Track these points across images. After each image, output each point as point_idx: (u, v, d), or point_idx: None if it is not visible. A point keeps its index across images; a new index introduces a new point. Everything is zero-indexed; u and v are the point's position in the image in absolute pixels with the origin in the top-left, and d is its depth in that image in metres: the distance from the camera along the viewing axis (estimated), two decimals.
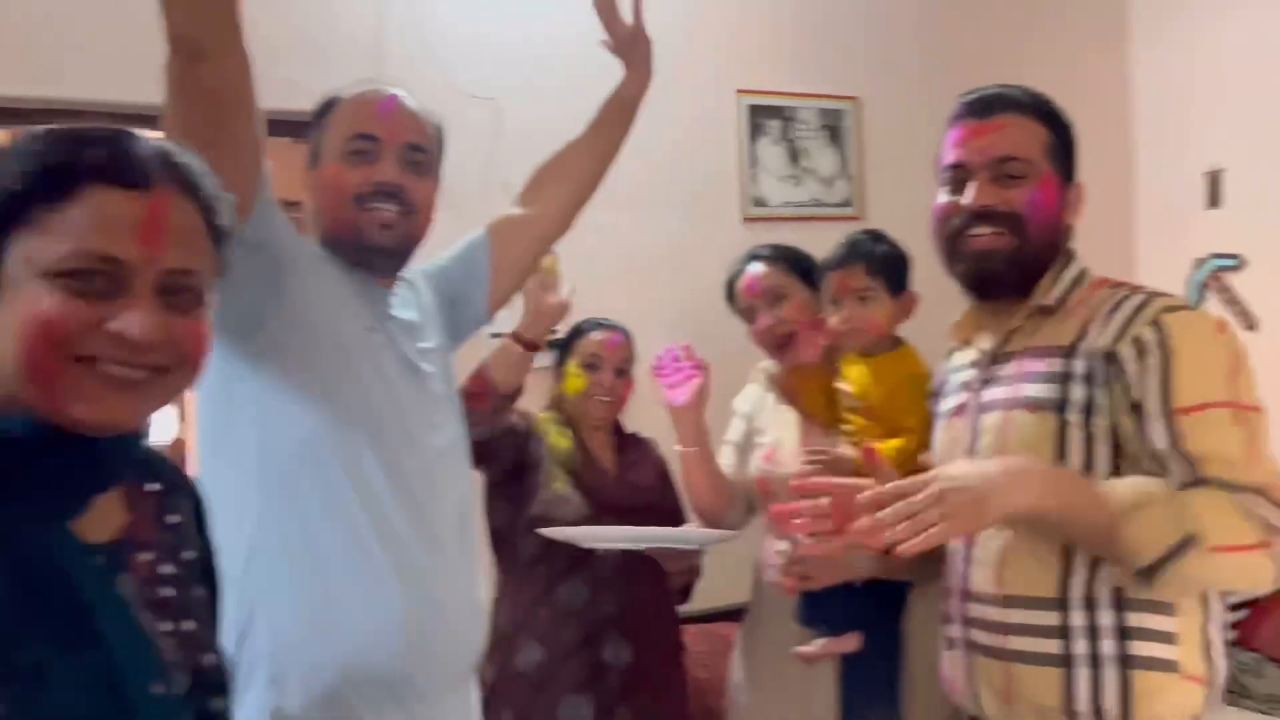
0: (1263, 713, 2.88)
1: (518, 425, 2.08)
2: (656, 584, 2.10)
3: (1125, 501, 1.25)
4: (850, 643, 1.78)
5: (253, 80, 1.29)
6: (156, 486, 0.96)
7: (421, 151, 1.51)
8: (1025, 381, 1.39)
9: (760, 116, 3.36)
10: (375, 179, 1.44)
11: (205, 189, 0.89)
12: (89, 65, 2.52)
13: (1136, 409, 1.31)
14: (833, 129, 3.48)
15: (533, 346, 1.93)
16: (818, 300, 2.00)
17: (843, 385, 1.88)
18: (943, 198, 1.47)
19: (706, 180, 3.30)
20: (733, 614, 2.66)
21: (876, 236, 1.92)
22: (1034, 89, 1.51)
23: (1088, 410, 1.32)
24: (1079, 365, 1.36)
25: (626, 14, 1.79)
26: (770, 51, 3.42)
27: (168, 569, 0.93)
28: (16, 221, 0.82)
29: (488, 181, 2.89)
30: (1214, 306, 3.82)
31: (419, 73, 2.80)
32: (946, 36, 3.73)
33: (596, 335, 2.18)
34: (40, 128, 0.86)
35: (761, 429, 2.09)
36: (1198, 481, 1.25)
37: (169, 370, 0.86)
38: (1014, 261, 1.42)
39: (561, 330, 2.26)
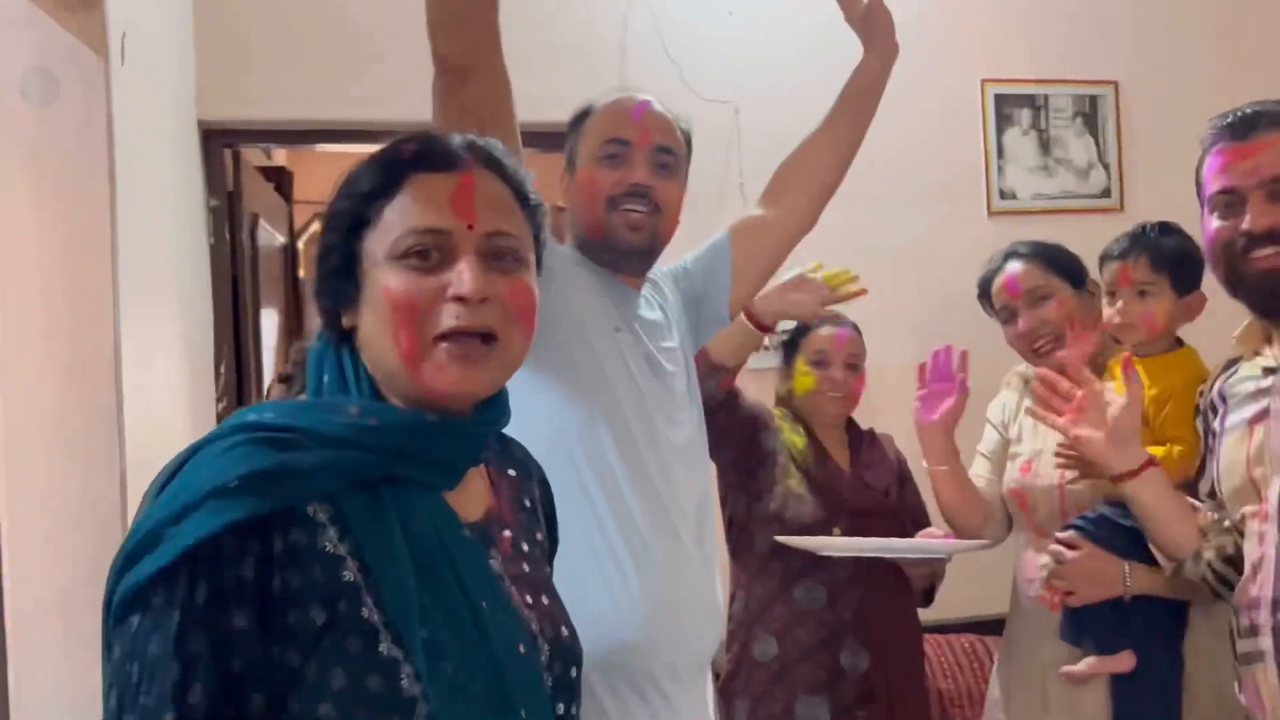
0: None
1: (744, 408, 2.08)
2: (897, 588, 2.06)
3: None
4: (1124, 662, 1.69)
5: (511, 99, 1.38)
6: (513, 473, 1.07)
7: (671, 154, 1.55)
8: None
9: (1008, 106, 3.25)
10: (629, 180, 1.49)
11: (509, 165, 0.99)
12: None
13: None
14: (1087, 116, 3.32)
15: (763, 328, 1.93)
16: (1084, 302, 1.91)
17: (1109, 385, 1.74)
18: (1215, 223, 1.47)
19: (950, 174, 3.22)
20: (979, 625, 2.58)
21: (1166, 229, 1.82)
22: None
23: None
24: None
25: None
26: (1019, 37, 3.29)
27: (525, 547, 1.01)
28: (365, 224, 0.94)
29: (725, 184, 2.98)
30: None
31: (660, 79, 2.92)
32: (1218, 13, 3.46)
33: (824, 331, 2.15)
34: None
35: (1018, 438, 2.01)
36: None
37: (501, 333, 0.93)
38: None
39: (788, 329, 2.27)
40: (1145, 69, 3.38)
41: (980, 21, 3.27)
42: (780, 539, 1.94)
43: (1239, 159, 1.43)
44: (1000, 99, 3.24)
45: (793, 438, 2.10)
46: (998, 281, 1.97)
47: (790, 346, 2.22)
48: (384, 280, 0.92)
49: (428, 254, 0.92)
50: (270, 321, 3.17)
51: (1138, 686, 1.70)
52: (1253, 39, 3.47)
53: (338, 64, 2.78)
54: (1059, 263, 1.93)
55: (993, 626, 2.27)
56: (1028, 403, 1.95)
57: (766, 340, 2.42)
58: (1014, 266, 1.95)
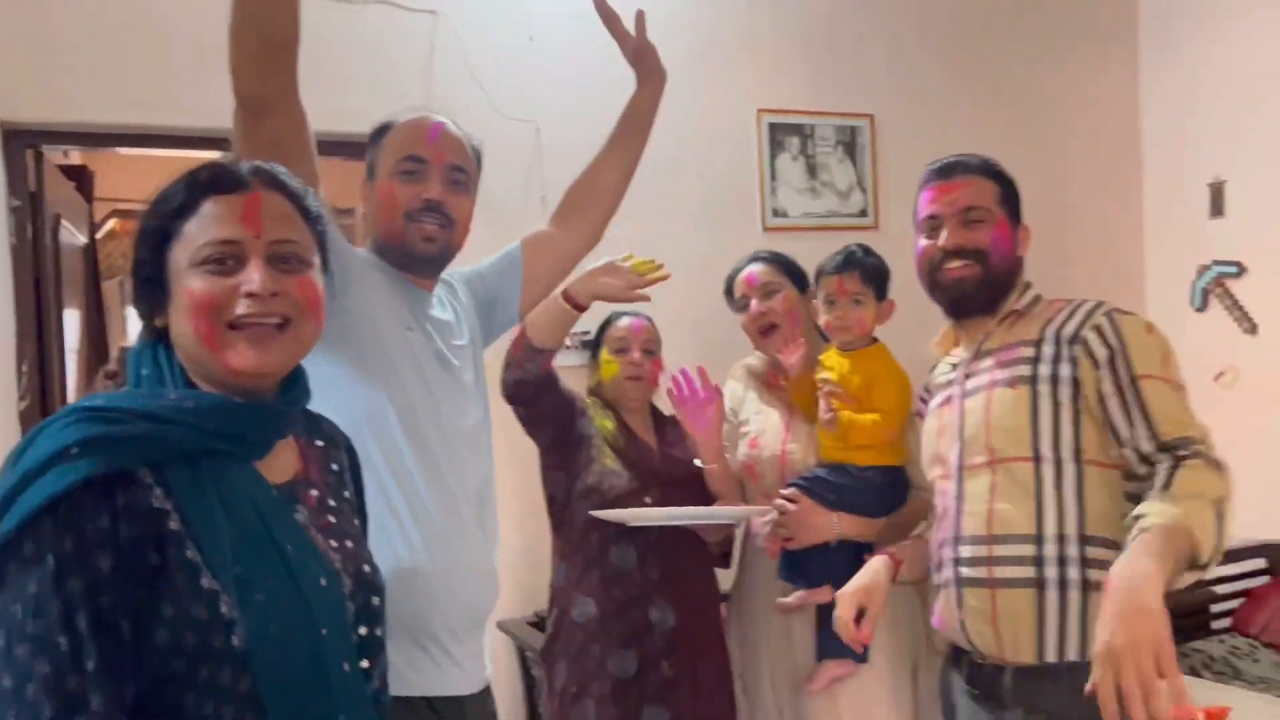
0: (1258, 692, 3.04)
1: (563, 391, 2.20)
2: (697, 552, 2.25)
3: (1160, 528, 1.37)
4: (825, 594, 2.01)
5: (308, 131, 1.49)
6: (320, 443, 1.24)
7: (462, 172, 1.68)
8: (1001, 369, 1.71)
9: (780, 133, 3.57)
10: (424, 196, 1.61)
11: (290, 184, 1.17)
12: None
13: (1102, 379, 1.60)
14: (849, 145, 3.68)
15: (578, 307, 2.03)
16: (803, 301, 2.30)
17: (824, 374, 2.14)
18: (922, 241, 1.81)
19: (730, 193, 3.51)
20: None
21: (867, 251, 2.19)
22: (984, 156, 1.82)
23: (1054, 382, 1.63)
24: (1047, 349, 1.66)
25: (631, 28, 1.94)
26: (790, 73, 3.63)
27: (331, 503, 1.20)
28: (171, 239, 1.12)
29: (528, 196, 3.16)
30: (1216, 311, 4.01)
31: (465, 99, 3.10)
32: (960, 58, 3.93)
33: (622, 322, 2.35)
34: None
35: (746, 420, 2.32)
36: (1161, 449, 1.52)
37: (292, 321, 1.12)
38: (981, 285, 1.75)
39: (591, 330, 2.46)
40: (897, 104, 3.79)
41: (757, 57, 3.57)
42: (595, 512, 2.10)
43: (943, 194, 1.76)
44: (773, 127, 3.55)
45: (604, 422, 2.26)
46: (740, 278, 2.35)
47: (595, 344, 2.41)
48: (188, 284, 1.09)
49: (224, 261, 1.10)
50: (73, 320, 3.15)
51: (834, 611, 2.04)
52: (987, 79, 3.96)
53: (143, 68, 2.79)
54: (788, 267, 2.33)
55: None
56: (752, 392, 2.34)
57: (568, 340, 2.64)
58: (754, 266, 2.34)
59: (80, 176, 3.50)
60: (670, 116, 3.24)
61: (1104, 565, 1.48)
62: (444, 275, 1.77)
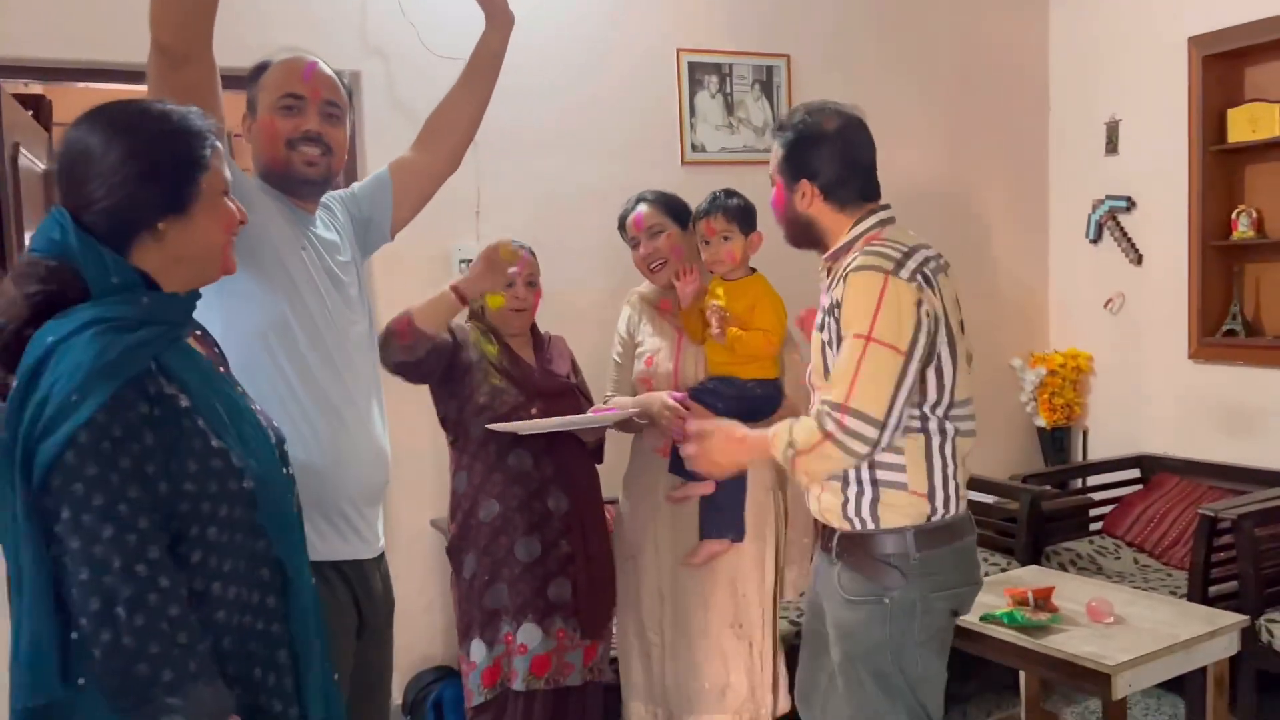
0: (1114, 584, 3.39)
1: (443, 343, 2.31)
2: (579, 448, 2.49)
3: (770, 432, 1.89)
4: (708, 486, 2.37)
5: (217, 80, 1.64)
6: (200, 331, 1.47)
7: (336, 106, 1.84)
8: (818, 313, 1.98)
9: (699, 72, 3.74)
10: (303, 128, 1.76)
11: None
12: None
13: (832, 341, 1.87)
14: (765, 84, 3.86)
15: (464, 300, 2.21)
16: (687, 238, 2.52)
17: (711, 301, 2.42)
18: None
19: (651, 129, 3.69)
20: None
21: (730, 193, 2.46)
22: (798, 112, 1.99)
23: (827, 337, 1.89)
24: (827, 300, 1.92)
25: None
26: (709, 14, 3.78)
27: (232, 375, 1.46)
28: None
29: None
30: (1108, 242, 4.28)
31: (397, 37, 3.28)
32: (875, 1, 4.09)
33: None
34: None
35: (640, 341, 2.56)
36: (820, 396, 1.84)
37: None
38: (788, 237, 2.02)
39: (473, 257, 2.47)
40: (813, 46, 3.96)
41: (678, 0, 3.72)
42: (492, 426, 2.33)
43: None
44: (693, 66, 3.72)
45: (487, 347, 2.41)
46: (629, 219, 2.55)
47: None
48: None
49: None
50: None
51: (718, 500, 2.38)
52: (901, 22, 4.13)
53: (97, 5, 2.92)
54: (671, 208, 2.53)
55: None
56: (644, 316, 2.58)
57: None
58: (641, 208, 2.53)
59: (38, 106, 3.63)
60: (596, 55, 3.61)
61: (888, 467, 1.87)
62: (323, 199, 1.94)
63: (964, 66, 4.30)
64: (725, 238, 2.41)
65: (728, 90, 3.81)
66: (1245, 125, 3.80)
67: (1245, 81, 3.87)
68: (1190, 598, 3.22)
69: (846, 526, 1.93)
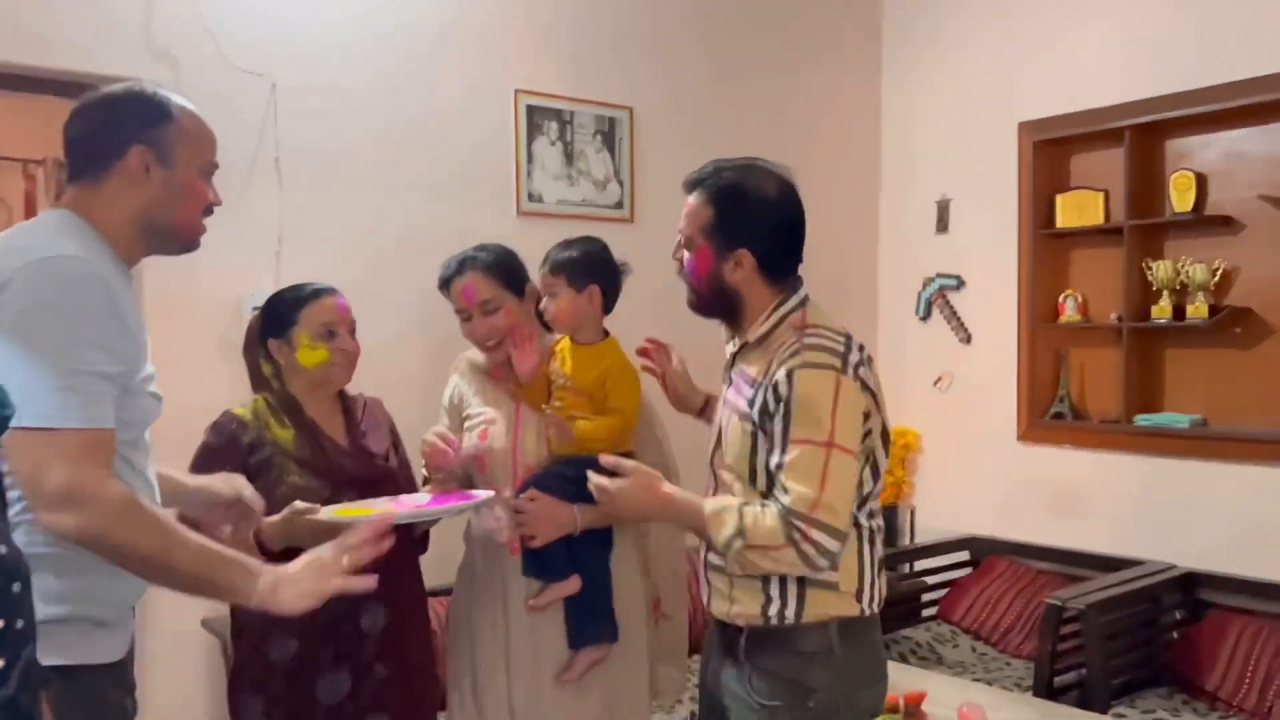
0: (954, 675, 3.27)
1: (230, 459, 1.99)
2: (403, 541, 2.05)
3: (710, 508, 1.74)
4: (573, 585, 2.05)
5: None
6: None
7: None
8: (738, 395, 1.80)
9: (539, 117, 3.48)
10: (218, 199, 1.69)
11: None
12: None
13: (771, 433, 1.71)
14: (607, 135, 3.65)
15: (266, 551, 1.89)
16: (525, 307, 2.17)
17: (556, 368, 2.11)
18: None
19: (485, 171, 3.39)
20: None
21: (566, 244, 2.15)
22: (743, 165, 1.82)
23: (761, 428, 1.73)
24: (760, 396, 1.74)
25: None
26: (550, 57, 3.54)
27: None
28: None
29: (259, 158, 2.94)
30: (938, 321, 4.29)
31: (192, 46, 2.82)
32: (718, 56, 3.98)
33: (326, 302, 2.10)
34: None
35: (471, 413, 2.22)
36: (773, 496, 1.69)
37: None
38: (697, 307, 1.85)
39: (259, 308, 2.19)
40: (656, 98, 3.78)
41: (515, 37, 3.46)
42: (314, 516, 1.88)
43: (683, 209, 1.82)
44: (532, 109, 3.46)
45: (279, 432, 2.05)
46: (455, 288, 2.16)
47: (275, 325, 2.10)
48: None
49: None
50: None
51: (584, 600, 2.08)
52: (742, 79, 4.03)
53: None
54: (507, 274, 2.17)
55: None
56: (475, 385, 2.23)
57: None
58: (471, 278, 2.15)
59: None
60: (427, 89, 3.28)
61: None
62: None
63: (799, 132, 4.22)
64: (552, 294, 2.12)
65: (568, 139, 3.57)
66: (1073, 210, 3.88)
67: (1071, 168, 3.97)
68: (1035, 690, 3.16)
69: (760, 624, 1.77)
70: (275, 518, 1.88)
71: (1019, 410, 4.00)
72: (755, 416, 1.73)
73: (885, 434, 1.76)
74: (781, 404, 1.69)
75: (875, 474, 1.76)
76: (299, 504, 1.88)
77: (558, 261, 2.13)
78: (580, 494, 1.97)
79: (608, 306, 2.15)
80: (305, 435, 2.05)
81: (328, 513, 1.85)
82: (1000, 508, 4.07)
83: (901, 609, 3.79)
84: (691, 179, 1.82)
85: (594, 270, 2.12)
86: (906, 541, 4.33)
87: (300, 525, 1.86)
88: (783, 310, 1.79)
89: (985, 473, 4.12)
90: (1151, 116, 3.61)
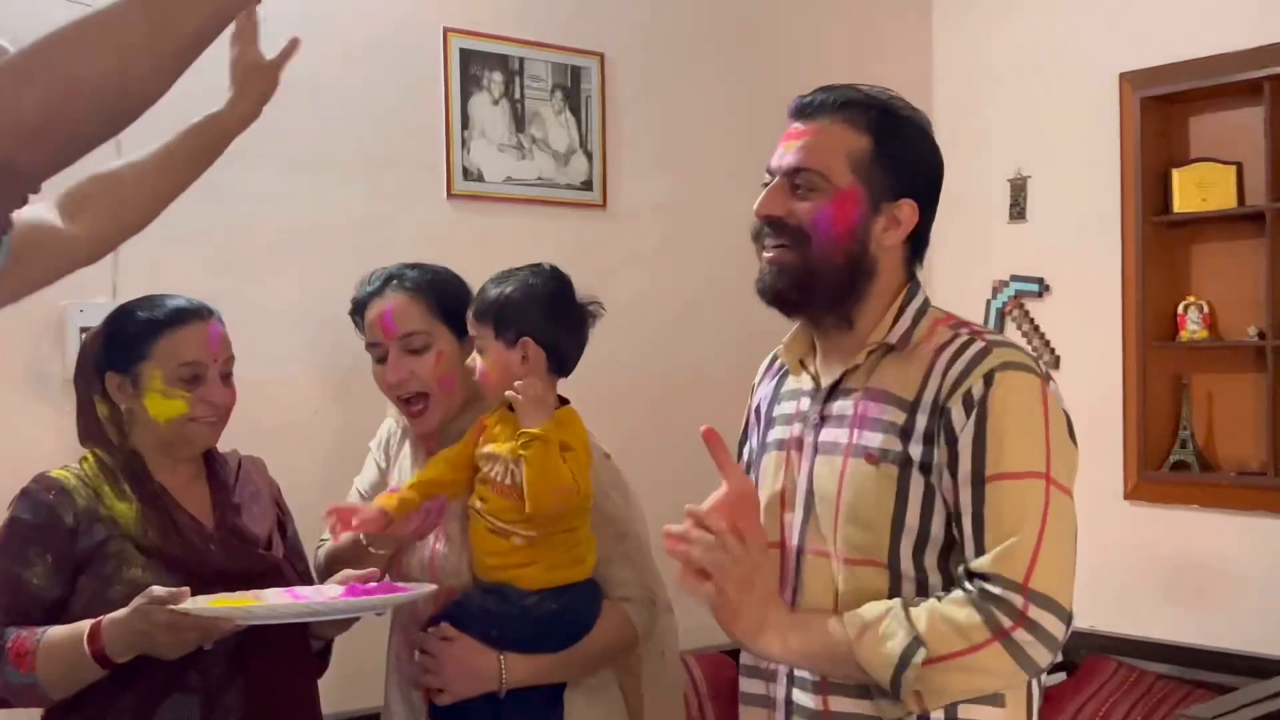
0: None
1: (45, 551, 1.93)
2: (293, 664, 2.05)
3: (859, 620, 1.55)
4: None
5: None
6: None
7: None
8: (866, 428, 1.63)
9: (477, 65, 3.36)
10: None
11: None
12: None
13: (953, 468, 1.57)
14: (569, 91, 3.54)
15: (105, 662, 1.85)
16: (465, 351, 2.13)
17: (487, 449, 2.01)
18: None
19: (402, 140, 3.26)
20: None
21: (502, 277, 2.06)
22: (878, 89, 1.72)
23: (926, 469, 1.58)
24: (921, 421, 1.59)
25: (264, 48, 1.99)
26: None
27: None
28: None
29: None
30: (1014, 337, 4.11)
31: None
32: None
33: (194, 330, 2.02)
34: None
35: (395, 479, 2.23)
36: (970, 575, 1.54)
37: None
38: (796, 280, 1.65)
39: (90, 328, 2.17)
40: (637, 41, 3.65)
41: None
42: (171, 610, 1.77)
43: (786, 140, 1.69)
44: (467, 55, 3.33)
45: (117, 506, 1.96)
46: (375, 309, 2.13)
47: (118, 355, 2.02)
48: None
49: None
50: None
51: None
52: (755, 18, 3.90)
53: None
54: (447, 304, 2.12)
55: None
56: (409, 446, 2.23)
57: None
58: (396, 300, 2.11)
59: None
60: (322, 28, 3.05)
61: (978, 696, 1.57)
62: None
63: (822, 83, 4.07)
64: (480, 349, 2.05)
65: (517, 95, 3.44)
66: (1195, 191, 3.78)
67: (1192, 135, 3.88)
68: None
69: None
70: (120, 613, 1.79)
71: (1126, 459, 3.89)
72: (911, 451, 1.58)
73: None
74: (972, 422, 1.55)
75: None
76: (157, 590, 1.78)
77: (482, 303, 2.04)
78: (505, 637, 1.97)
79: (558, 367, 2.04)
80: (154, 511, 1.96)
81: (200, 603, 1.79)
82: (1102, 590, 3.84)
83: None
84: (818, 99, 1.69)
85: (530, 317, 2.01)
86: None
87: (157, 621, 1.77)
88: (918, 303, 1.69)
89: (1082, 543, 3.83)
90: None
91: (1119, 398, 3.89)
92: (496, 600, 2.00)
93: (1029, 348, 1.62)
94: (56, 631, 1.83)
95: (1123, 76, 3.86)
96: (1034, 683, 1.63)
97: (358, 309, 2.17)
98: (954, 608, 1.50)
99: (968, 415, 1.55)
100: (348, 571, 2.00)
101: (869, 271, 1.66)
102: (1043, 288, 4.11)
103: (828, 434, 1.67)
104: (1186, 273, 3.88)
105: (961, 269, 4.29)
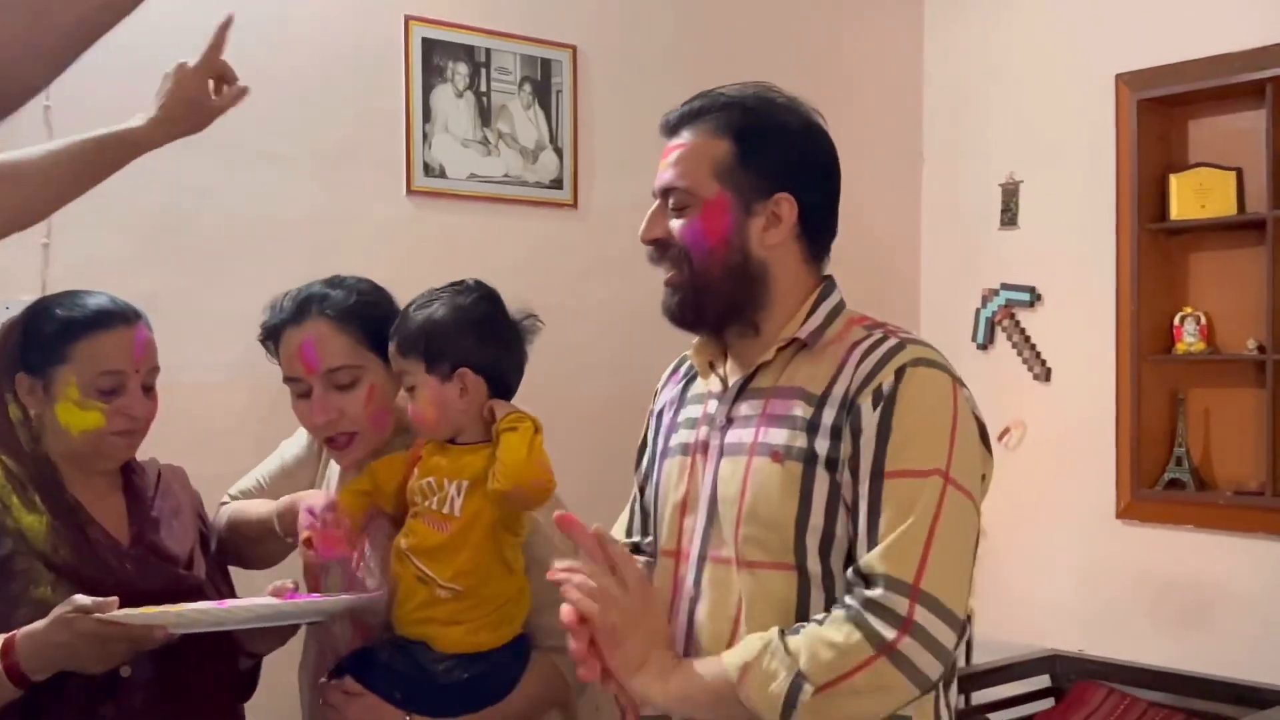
0: None
1: None
2: (218, 690, 1.99)
3: (735, 659, 1.51)
4: None
5: None
6: None
7: None
8: (772, 426, 1.61)
9: (440, 55, 3.32)
10: None
11: None
12: None
13: (855, 464, 1.55)
14: (540, 85, 3.50)
15: (21, 681, 1.75)
16: (393, 381, 1.99)
17: (427, 481, 1.90)
18: None
19: (362, 134, 3.23)
20: None
21: (432, 298, 1.91)
22: (746, 87, 1.71)
23: (831, 466, 1.56)
24: (829, 415, 1.57)
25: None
26: None
27: None
28: None
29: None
30: (1003, 349, 4.12)
31: None
32: None
33: (116, 336, 1.91)
34: None
35: (325, 487, 2.14)
36: (858, 574, 1.52)
37: None
38: (686, 300, 1.66)
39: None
40: (611, 34, 3.61)
41: None
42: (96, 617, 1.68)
43: (662, 158, 1.68)
44: (430, 45, 3.30)
45: (26, 519, 1.85)
46: (293, 340, 1.96)
47: (32, 354, 1.92)
48: None
49: None
50: None
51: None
52: (735, 10, 3.87)
53: None
54: (377, 331, 1.95)
55: None
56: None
57: None
58: (318, 329, 1.95)
59: None
60: (276, 15, 3.03)
61: None
62: None
63: (813, 91, 3.91)
64: (409, 386, 1.90)
65: (483, 88, 3.40)
66: (1193, 196, 3.71)
67: (1191, 138, 3.83)
68: None
69: None
70: (37, 624, 1.70)
71: (1119, 476, 3.85)
72: (817, 446, 1.56)
73: None
74: (878, 415, 1.53)
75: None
76: (81, 598, 1.69)
77: (406, 335, 1.89)
78: (417, 700, 1.87)
79: (502, 392, 1.92)
80: (65, 525, 1.86)
81: (127, 614, 1.71)
82: (1092, 614, 3.89)
83: None
84: (680, 112, 1.69)
85: (465, 344, 1.87)
86: (962, 662, 4.02)
87: (82, 631, 1.67)
88: (832, 300, 1.68)
89: (1072, 564, 3.97)
90: None
91: (1112, 412, 3.86)
92: (404, 660, 1.90)
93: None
94: None
95: (1119, 78, 3.82)
96: (942, 704, 1.61)
97: (270, 335, 2.01)
98: (833, 630, 1.48)
99: (875, 409, 1.54)
100: (276, 584, 1.91)
101: (759, 276, 1.65)
102: (1034, 297, 4.07)
103: (733, 435, 1.65)
104: (1184, 283, 3.84)
105: (950, 277, 4.31)
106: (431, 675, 1.89)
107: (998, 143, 4.14)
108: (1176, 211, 3.73)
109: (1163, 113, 3.78)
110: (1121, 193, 3.80)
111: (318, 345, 1.93)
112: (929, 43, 4.35)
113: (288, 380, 1.98)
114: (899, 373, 1.54)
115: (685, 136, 1.68)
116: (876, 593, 1.46)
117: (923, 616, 1.45)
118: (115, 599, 1.69)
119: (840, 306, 1.69)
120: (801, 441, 1.58)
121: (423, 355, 1.86)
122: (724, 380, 1.71)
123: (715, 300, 1.66)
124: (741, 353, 1.71)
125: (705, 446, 1.69)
